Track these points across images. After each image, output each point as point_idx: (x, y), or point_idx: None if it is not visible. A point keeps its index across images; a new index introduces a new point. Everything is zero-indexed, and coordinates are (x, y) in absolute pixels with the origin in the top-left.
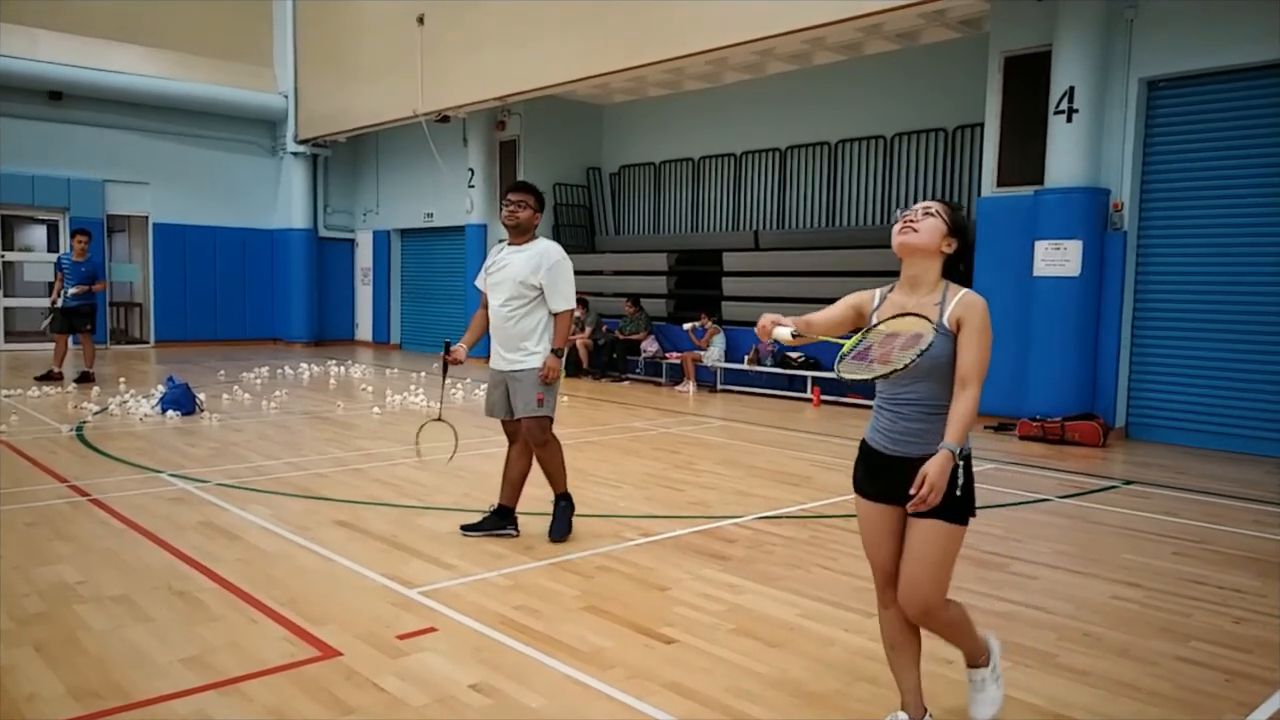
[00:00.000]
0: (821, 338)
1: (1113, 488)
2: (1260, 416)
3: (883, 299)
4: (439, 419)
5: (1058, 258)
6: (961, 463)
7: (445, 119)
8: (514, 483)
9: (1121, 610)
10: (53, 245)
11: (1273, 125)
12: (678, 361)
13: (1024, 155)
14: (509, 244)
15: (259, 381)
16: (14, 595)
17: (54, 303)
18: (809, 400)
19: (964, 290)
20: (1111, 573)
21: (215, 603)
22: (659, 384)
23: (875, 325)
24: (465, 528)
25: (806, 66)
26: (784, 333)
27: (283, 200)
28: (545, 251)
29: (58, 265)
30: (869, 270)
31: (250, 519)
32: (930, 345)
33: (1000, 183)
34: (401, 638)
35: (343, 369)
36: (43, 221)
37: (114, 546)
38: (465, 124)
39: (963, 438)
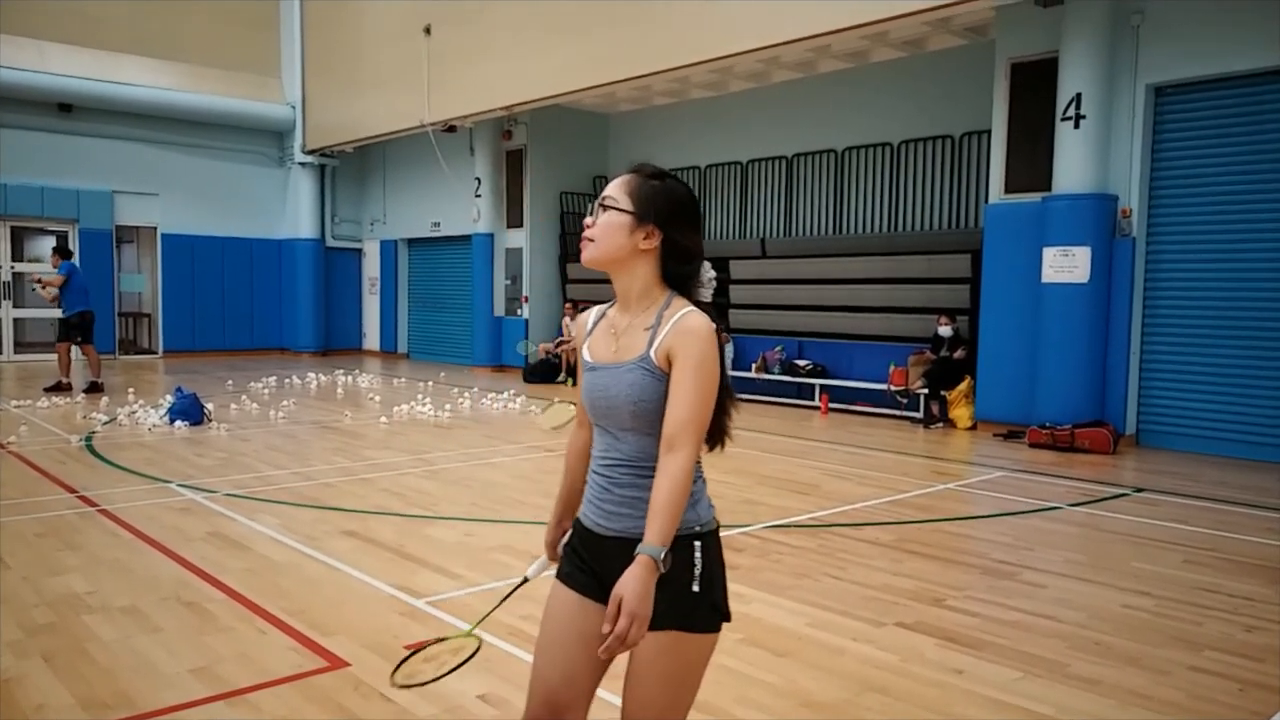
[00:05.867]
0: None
1: (1123, 495)
2: (1271, 423)
3: (598, 319)
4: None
5: (1066, 264)
6: (699, 544)
7: (452, 129)
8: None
9: (1132, 619)
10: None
11: None
12: None
13: (1031, 162)
14: None
15: (267, 391)
16: (23, 605)
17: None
18: (817, 408)
19: (687, 308)
20: (1122, 581)
21: (223, 613)
22: None
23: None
24: None
25: (812, 74)
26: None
27: (290, 210)
28: None
29: None
30: (877, 277)
31: (258, 529)
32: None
33: (1008, 189)
34: (409, 648)
35: (350, 378)
36: (52, 233)
37: (123, 557)
38: (472, 133)
39: (669, 533)
